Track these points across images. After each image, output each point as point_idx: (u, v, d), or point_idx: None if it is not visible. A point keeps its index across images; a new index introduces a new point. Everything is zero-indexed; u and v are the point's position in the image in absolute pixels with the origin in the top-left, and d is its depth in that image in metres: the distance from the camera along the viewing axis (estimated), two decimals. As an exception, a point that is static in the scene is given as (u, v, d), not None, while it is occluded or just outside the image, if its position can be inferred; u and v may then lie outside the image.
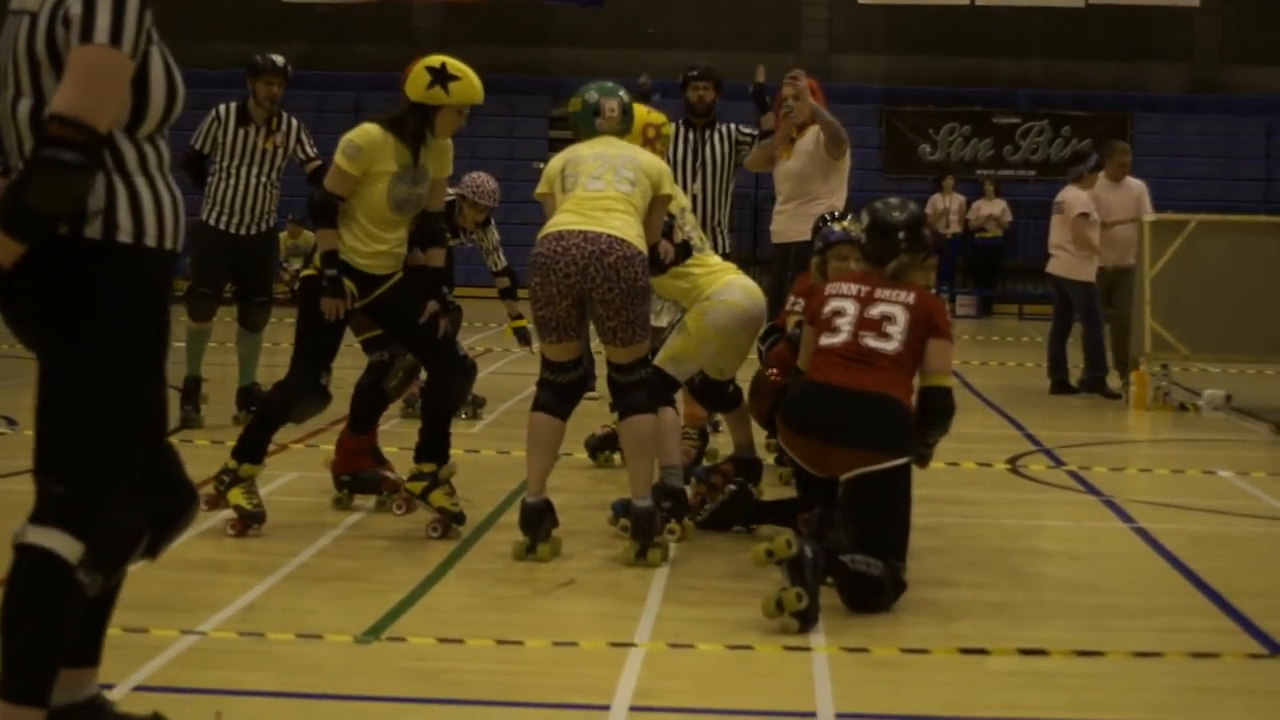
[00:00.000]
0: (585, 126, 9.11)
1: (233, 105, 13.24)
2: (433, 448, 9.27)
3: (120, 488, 4.95)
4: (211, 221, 13.04)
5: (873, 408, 7.96)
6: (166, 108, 4.97)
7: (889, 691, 6.62)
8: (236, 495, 9.05)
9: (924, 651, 7.13)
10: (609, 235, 8.53)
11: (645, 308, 8.76)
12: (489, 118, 30.77)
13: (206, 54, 30.50)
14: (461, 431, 12.82)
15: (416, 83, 9.07)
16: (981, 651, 7.14)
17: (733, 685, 6.65)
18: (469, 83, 9.08)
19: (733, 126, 12.67)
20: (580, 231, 8.55)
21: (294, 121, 13.43)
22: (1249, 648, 7.38)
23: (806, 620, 7.32)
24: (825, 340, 8.18)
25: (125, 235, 4.87)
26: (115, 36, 4.74)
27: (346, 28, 31.03)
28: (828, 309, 8.25)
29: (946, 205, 30.52)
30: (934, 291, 8.72)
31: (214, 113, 13.15)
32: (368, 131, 9.17)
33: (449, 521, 9.11)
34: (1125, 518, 10.33)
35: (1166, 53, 31.67)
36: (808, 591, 7.32)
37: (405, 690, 6.41)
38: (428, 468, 9.21)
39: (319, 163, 13.21)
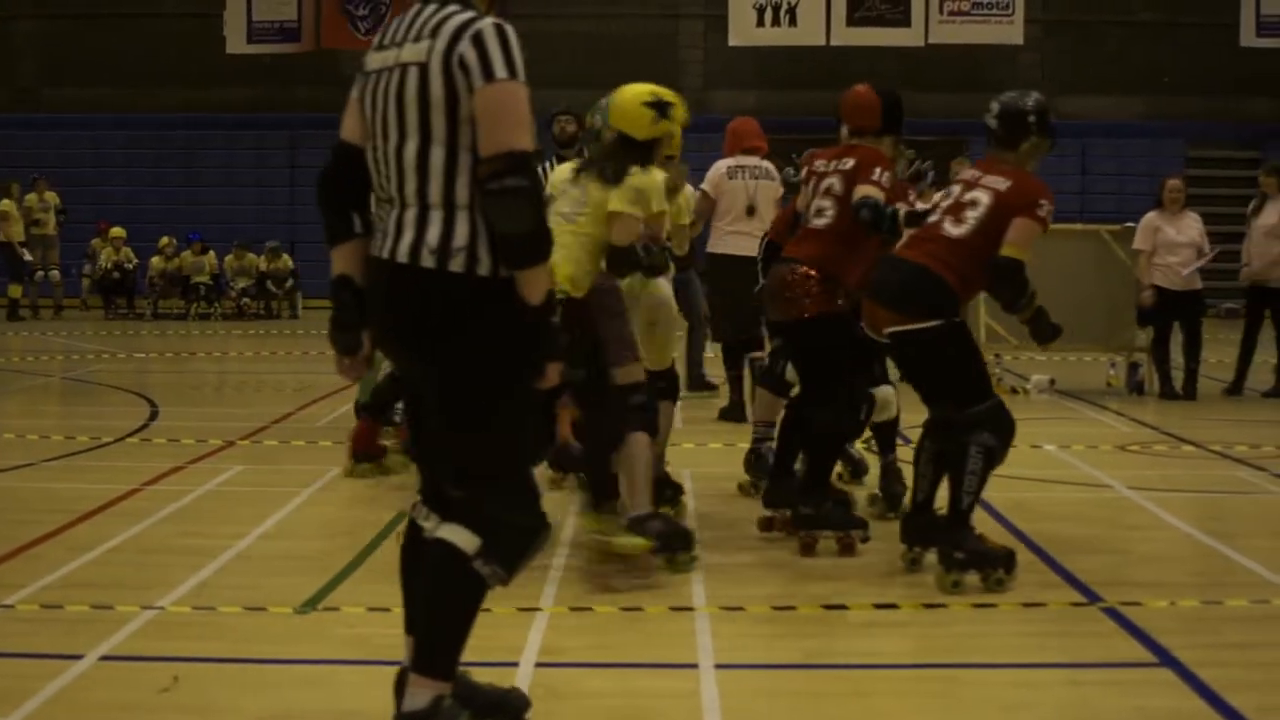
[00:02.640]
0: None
1: None
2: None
3: (509, 489, 5.00)
4: None
5: (909, 275, 7.81)
6: None
7: (761, 644, 6.67)
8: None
9: (791, 609, 7.16)
10: None
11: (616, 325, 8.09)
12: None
13: (155, 100, 30.32)
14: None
15: (640, 121, 7.86)
16: (841, 607, 7.19)
17: (626, 642, 6.66)
18: (680, 104, 8.09)
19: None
20: None
21: None
22: (1071, 597, 7.45)
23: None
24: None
25: (484, 269, 4.85)
26: (512, 71, 4.80)
27: (283, 74, 30.76)
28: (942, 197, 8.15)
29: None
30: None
31: None
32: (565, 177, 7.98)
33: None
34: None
35: (995, 84, 31.57)
36: (915, 543, 7.98)
37: (339, 654, 6.39)
38: None
39: None
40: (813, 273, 8.38)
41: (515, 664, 6.16)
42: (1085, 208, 29.75)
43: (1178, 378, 15.67)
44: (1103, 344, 16.52)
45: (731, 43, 29.84)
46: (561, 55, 31.17)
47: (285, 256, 28.28)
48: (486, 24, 4.83)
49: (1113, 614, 7.10)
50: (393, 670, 6.14)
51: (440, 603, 4.99)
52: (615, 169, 7.81)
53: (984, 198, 7.82)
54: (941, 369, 7.83)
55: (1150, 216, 15.64)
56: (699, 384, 15.33)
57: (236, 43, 29.75)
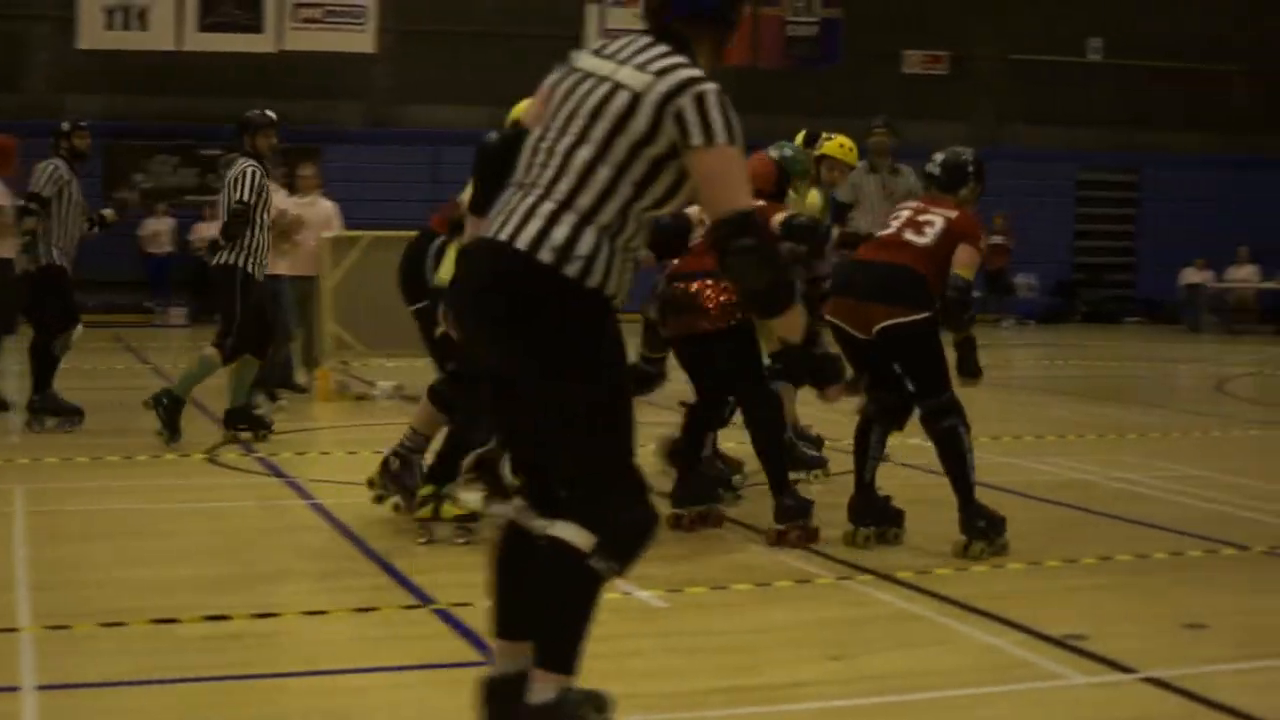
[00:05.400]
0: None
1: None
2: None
3: (618, 486, 4.95)
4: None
5: (893, 274, 8.77)
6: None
7: (88, 662, 6.49)
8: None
9: (121, 624, 7.04)
10: None
11: None
12: None
13: None
14: None
15: None
16: (173, 620, 7.10)
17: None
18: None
19: None
20: None
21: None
22: (404, 600, 7.60)
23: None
24: (878, 233, 9.27)
25: (593, 282, 4.85)
26: (731, 137, 4.87)
27: None
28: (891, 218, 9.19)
29: (158, 228, 30.32)
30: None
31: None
32: None
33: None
34: (305, 495, 10.47)
35: (349, 93, 32.16)
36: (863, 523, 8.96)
37: None
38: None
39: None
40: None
41: None
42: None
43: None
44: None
45: (80, 46, 29.13)
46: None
47: None
48: (711, 88, 4.92)
49: (444, 615, 7.27)
50: None
51: (560, 600, 4.96)
52: None
53: (939, 222, 8.88)
54: (925, 359, 8.77)
55: None
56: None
57: None
